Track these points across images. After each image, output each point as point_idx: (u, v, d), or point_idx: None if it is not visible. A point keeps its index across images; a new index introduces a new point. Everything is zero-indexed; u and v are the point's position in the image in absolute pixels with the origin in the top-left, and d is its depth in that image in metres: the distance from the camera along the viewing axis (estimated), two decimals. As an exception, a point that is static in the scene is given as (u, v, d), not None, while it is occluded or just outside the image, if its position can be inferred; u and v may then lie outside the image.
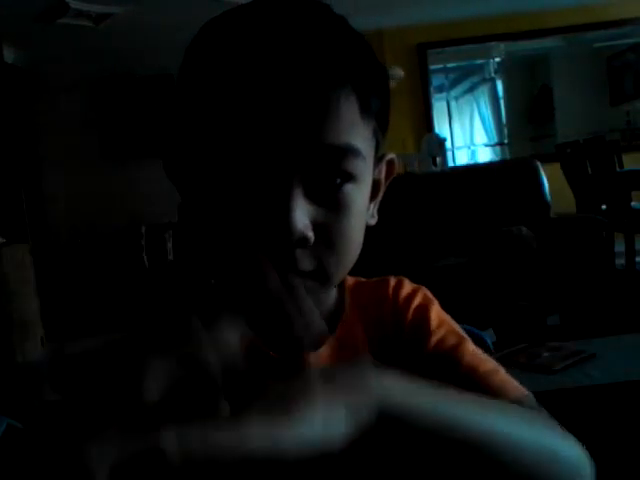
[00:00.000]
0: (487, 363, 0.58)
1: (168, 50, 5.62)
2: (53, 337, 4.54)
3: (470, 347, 0.59)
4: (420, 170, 5.10)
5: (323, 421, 0.36)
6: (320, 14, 0.51)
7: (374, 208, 0.59)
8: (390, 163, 0.59)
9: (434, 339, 0.59)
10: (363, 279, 0.65)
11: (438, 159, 5.42)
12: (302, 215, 0.47)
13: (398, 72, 5.73)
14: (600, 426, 1.73)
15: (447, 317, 0.63)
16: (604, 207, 4.44)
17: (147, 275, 5.13)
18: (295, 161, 0.47)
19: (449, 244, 3.63)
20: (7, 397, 3.32)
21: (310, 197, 0.48)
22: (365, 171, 0.52)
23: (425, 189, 3.85)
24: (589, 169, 4.50)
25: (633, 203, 4.22)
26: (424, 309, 0.61)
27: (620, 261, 4.27)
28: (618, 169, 4.42)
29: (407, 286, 0.64)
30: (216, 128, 0.48)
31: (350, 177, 0.50)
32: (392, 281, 0.64)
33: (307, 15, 0.50)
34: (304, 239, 0.47)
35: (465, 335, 0.61)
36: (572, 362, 1.97)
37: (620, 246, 4.25)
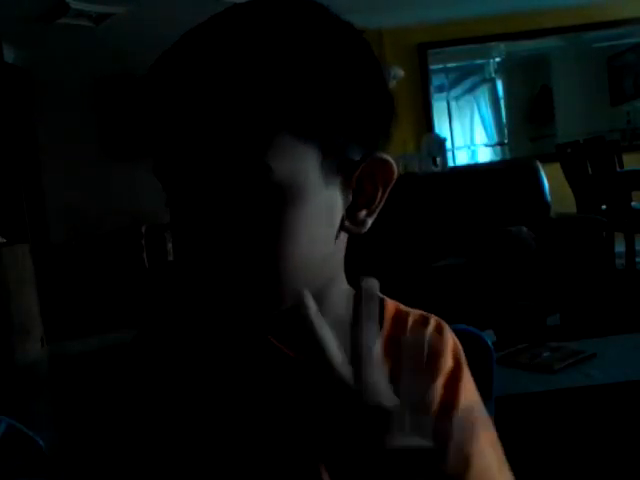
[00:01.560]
0: (494, 463, 0.56)
1: (168, 50, 5.63)
2: (53, 337, 4.54)
3: (482, 443, 0.55)
4: (420, 170, 5.09)
5: None
6: (279, 33, 0.49)
7: (365, 216, 0.55)
8: (381, 167, 0.54)
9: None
10: (404, 308, 0.62)
11: (438, 159, 5.42)
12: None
13: (398, 72, 5.73)
14: (600, 426, 1.73)
15: (473, 389, 0.60)
16: (604, 207, 4.43)
17: (147, 275, 5.13)
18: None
19: (449, 244, 3.63)
20: (7, 397, 3.32)
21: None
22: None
23: (425, 189, 3.85)
24: (589, 169, 4.50)
25: (633, 203, 4.22)
26: (454, 386, 0.58)
27: (620, 261, 4.27)
28: (618, 169, 4.42)
29: (447, 339, 0.60)
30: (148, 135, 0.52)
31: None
32: (432, 323, 0.61)
33: (262, 36, 0.49)
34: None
35: (485, 419, 0.59)
36: (572, 362, 1.97)
37: (620, 246, 4.25)
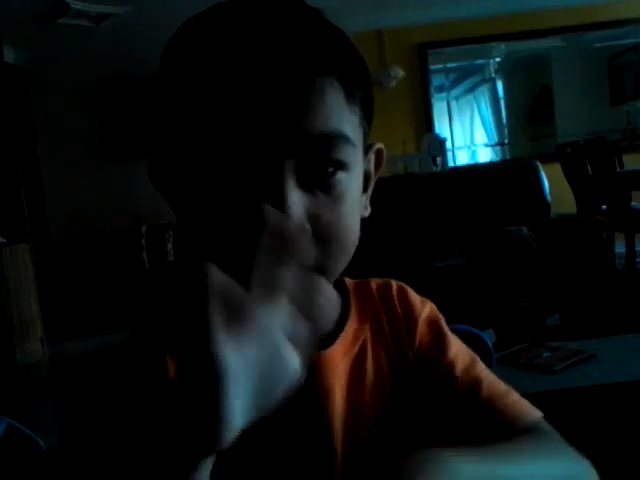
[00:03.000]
0: (500, 383, 0.60)
1: (168, 50, 5.64)
2: (53, 337, 4.54)
3: (481, 365, 0.61)
4: (420, 170, 5.10)
5: None
6: (297, 7, 0.51)
7: (367, 200, 0.58)
8: (379, 153, 0.59)
9: (450, 354, 0.60)
10: (362, 280, 0.65)
11: (438, 159, 5.43)
12: (297, 207, 0.46)
13: (398, 72, 5.73)
14: (600, 426, 1.73)
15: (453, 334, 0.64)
16: (604, 207, 4.44)
17: (147, 275, 5.13)
18: (285, 151, 0.46)
19: (449, 244, 3.63)
20: (7, 397, 3.32)
21: (304, 187, 0.47)
22: (356, 159, 0.51)
23: (425, 189, 3.85)
24: (589, 169, 4.50)
25: (633, 203, 4.22)
26: (437, 324, 0.62)
27: (620, 261, 4.27)
28: (618, 169, 4.42)
29: (413, 295, 0.63)
30: (202, 124, 0.47)
31: (342, 165, 0.49)
32: (395, 285, 0.64)
33: (286, 7, 0.50)
34: (302, 229, 0.47)
35: (472, 352, 0.63)
36: (572, 362, 1.97)
37: (620, 246, 4.25)
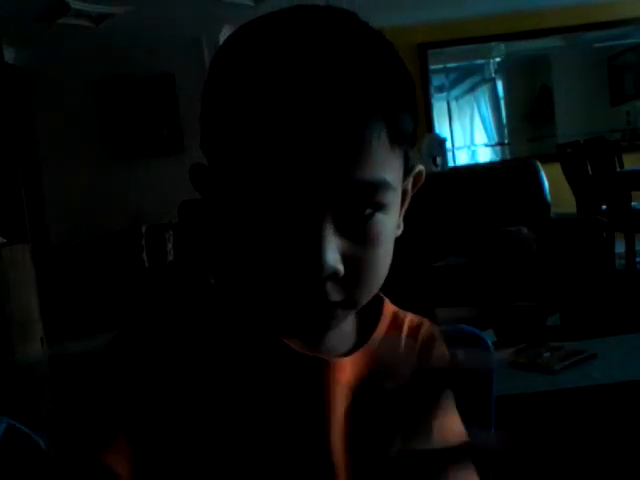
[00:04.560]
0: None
1: (168, 50, 5.64)
2: (53, 337, 4.54)
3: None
4: (420, 170, 5.09)
5: None
6: (348, 31, 0.50)
7: (400, 218, 0.59)
8: (418, 175, 0.60)
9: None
10: (401, 312, 0.65)
11: (438, 159, 5.43)
12: (333, 251, 0.47)
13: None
14: (600, 426, 1.73)
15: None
16: (604, 207, 4.44)
17: (147, 275, 5.13)
18: (327, 197, 0.47)
19: (449, 244, 3.63)
20: (7, 397, 3.32)
21: (340, 230, 0.48)
22: (394, 199, 0.52)
23: (425, 189, 3.83)
24: (589, 169, 4.50)
25: (633, 203, 4.22)
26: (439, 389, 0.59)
27: (620, 261, 4.27)
28: (618, 169, 4.42)
29: (438, 347, 0.63)
30: (249, 159, 0.48)
31: (380, 207, 0.50)
32: (425, 326, 0.63)
33: (337, 34, 0.49)
34: (335, 274, 0.48)
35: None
36: (572, 362, 1.97)
37: (620, 246, 4.25)
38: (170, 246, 5.22)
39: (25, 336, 4.19)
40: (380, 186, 0.49)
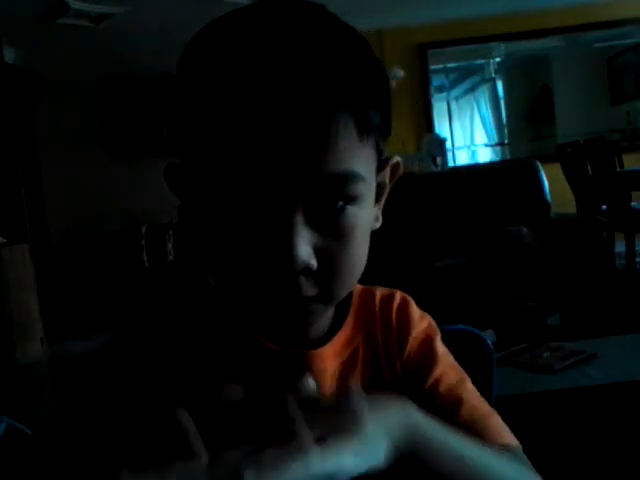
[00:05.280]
0: (485, 405, 0.60)
1: (168, 50, 5.64)
2: (53, 337, 4.54)
3: (470, 385, 0.61)
4: (420, 170, 5.10)
5: (370, 449, 0.41)
6: (317, 23, 0.49)
7: (378, 211, 0.58)
8: (395, 166, 0.59)
9: (437, 373, 0.60)
10: (370, 288, 0.65)
11: (438, 159, 5.43)
12: (305, 244, 0.47)
13: (398, 72, 5.73)
14: (600, 426, 1.73)
15: (447, 351, 0.63)
16: (604, 207, 4.44)
17: (147, 275, 5.13)
18: (296, 191, 0.47)
19: (449, 244, 3.63)
20: (7, 397, 3.32)
21: (312, 223, 0.48)
22: (367, 190, 0.51)
23: (425, 189, 3.85)
24: (589, 169, 4.50)
25: (633, 203, 4.22)
26: (429, 341, 0.62)
27: (620, 261, 4.27)
28: (618, 169, 4.42)
29: (413, 309, 0.64)
30: (217, 155, 0.47)
31: (352, 199, 0.49)
32: (397, 298, 0.64)
33: (305, 26, 0.48)
34: (307, 268, 0.48)
35: (463, 372, 0.62)
36: (572, 362, 1.97)
37: (620, 246, 4.25)
38: (170, 246, 5.22)
39: (25, 336, 4.19)
40: (350, 178, 0.48)
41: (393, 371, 0.60)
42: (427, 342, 0.62)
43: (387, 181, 0.58)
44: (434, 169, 5.13)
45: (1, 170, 4.63)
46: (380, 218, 0.59)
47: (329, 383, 0.56)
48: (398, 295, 0.64)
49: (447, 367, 0.61)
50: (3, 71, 4.79)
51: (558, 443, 1.68)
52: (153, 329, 0.59)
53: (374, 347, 0.60)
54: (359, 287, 0.63)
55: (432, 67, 6.13)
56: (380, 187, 0.57)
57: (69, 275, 5.26)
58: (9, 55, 5.08)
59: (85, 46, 5.23)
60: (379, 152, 0.53)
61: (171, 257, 5.21)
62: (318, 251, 0.48)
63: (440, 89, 6.72)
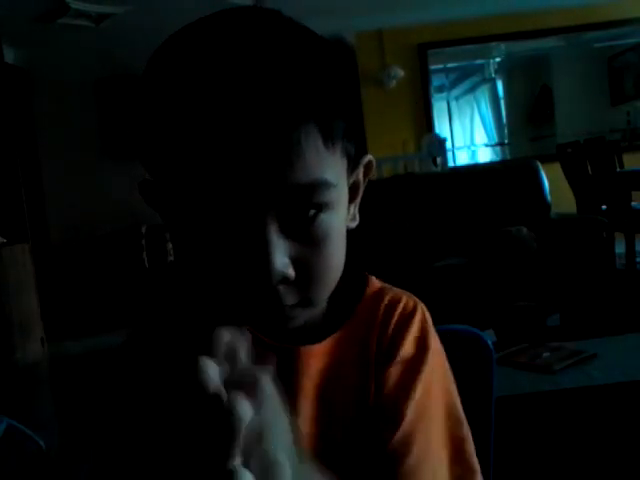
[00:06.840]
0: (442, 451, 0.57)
1: (168, 50, 5.64)
2: (53, 337, 4.54)
3: (438, 413, 0.57)
4: (420, 170, 5.10)
5: None
6: (276, 32, 0.49)
7: (354, 210, 0.58)
8: (368, 164, 0.59)
9: (406, 404, 0.56)
10: (383, 289, 0.63)
11: (438, 159, 5.43)
12: (281, 255, 0.47)
13: (398, 72, 5.73)
14: (600, 426, 1.73)
15: (442, 386, 0.59)
16: (604, 207, 4.43)
17: (147, 275, 5.13)
18: (266, 203, 0.47)
19: (449, 244, 3.63)
20: (7, 397, 3.32)
21: (286, 233, 0.48)
22: (338, 195, 0.51)
23: (425, 189, 3.85)
24: (589, 169, 4.50)
25: (633, 203, 4.22)
26: (413, 367, 0.58)
27: (620, 261, 4.27)
28: (618, 169, 4.42)
29: (414, 330, 0.60)
30: (183, 169, 0.47)
31: (323, 207, 0.50)
32: (400, 307, 0.61)
33: (265, 37, 0.48)
34: (285, 278, 0.48)
35: (461, 420, 0.59)
36: (572, 362, 1.97)
37: (620, 246, 4.25)
38: (170, 246, 5.22)
39: (25, 336, 4.19)
40: (319, 186, 0.48)
41: (379, 382, 0.58)
42: (409, 377, 0.58)
43: (361, 179, 0.59)
44: (434, 169, 5.14)
45: (1, 170, 4.63)
46: (357, 216, 0.59)
47: (314, 381, 0.56)
48: (405, 304, 0.61)
49: (423, 398, 0.57)
50: (3, 71, 4.79)
51: (558, 443, 1.68)
52: (161, 328, 0.59)
53: (366, 353, 0.59)
54: (376, 285, 0.63)
55: (432, 67, 6.12)
56: (354, 186, 0.57)
57: (69, 275, 5.27)
58: (9, 55, 5.08)
59: (85, 46, 5.24)
60: (348, 156, 0.53)
61: (171, 257, 5.21)
62: (294, 260, 0.49)
63: (440, 89, 6.72)
